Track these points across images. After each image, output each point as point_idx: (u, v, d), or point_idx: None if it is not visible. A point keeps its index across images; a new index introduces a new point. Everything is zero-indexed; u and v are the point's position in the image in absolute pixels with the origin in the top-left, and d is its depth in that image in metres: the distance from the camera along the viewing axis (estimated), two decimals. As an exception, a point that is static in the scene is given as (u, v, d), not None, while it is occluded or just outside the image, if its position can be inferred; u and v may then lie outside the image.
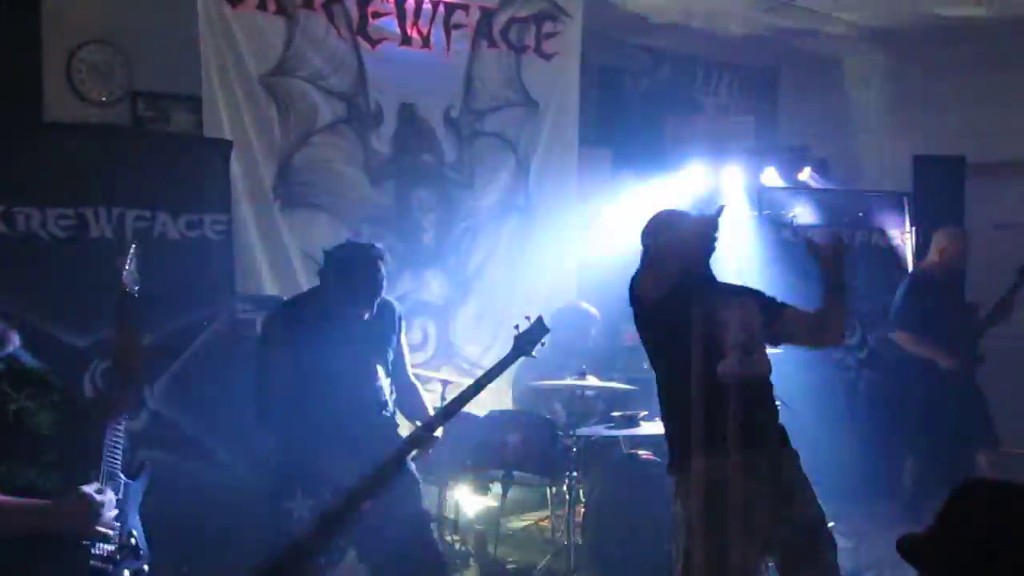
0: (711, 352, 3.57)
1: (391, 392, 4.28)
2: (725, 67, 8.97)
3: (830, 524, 3.79)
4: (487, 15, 6.61)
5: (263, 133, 5.77)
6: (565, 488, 5.36)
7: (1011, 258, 6.34)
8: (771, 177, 7.91)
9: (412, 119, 6.36)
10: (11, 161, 4.62)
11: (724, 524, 3.44)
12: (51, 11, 5.30)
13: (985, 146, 7.72)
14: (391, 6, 6.22)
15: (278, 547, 3.46)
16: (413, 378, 4.51)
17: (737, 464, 3.49)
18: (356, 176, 6.17)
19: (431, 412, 4.33)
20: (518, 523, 5.98)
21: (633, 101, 8.20)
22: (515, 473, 5.25)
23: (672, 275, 3.65)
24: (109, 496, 2.98)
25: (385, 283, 4.12)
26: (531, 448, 5.25)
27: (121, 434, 3.17)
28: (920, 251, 7.47)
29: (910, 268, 7.46)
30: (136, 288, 3.37)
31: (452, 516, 5.46)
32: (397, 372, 4.35)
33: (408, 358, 4.48)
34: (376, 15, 6.16)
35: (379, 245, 4.20)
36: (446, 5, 6.41)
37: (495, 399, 5.90)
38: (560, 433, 5.38)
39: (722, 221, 3.65)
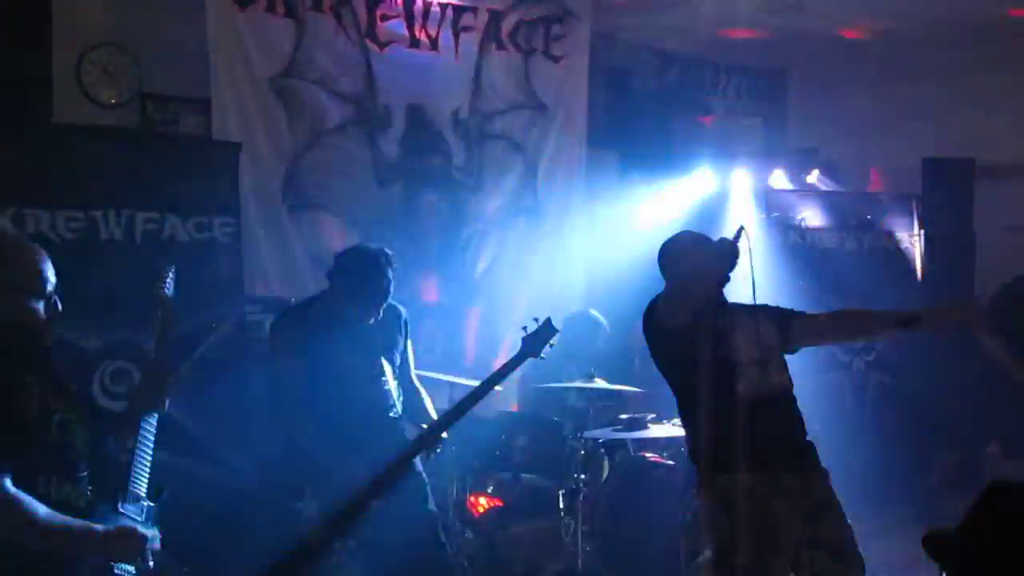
0: (731, 375, 3.60)
1: (399, 394, 4.29)
2: (733, 69, 8.96)
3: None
4: (496, 17, 6.61)
5: (272, 135, 5.77)
6: (573, 490, 5.35)
7: (1020, 260, 6.32)
8: (779, 179, 7.91)
9: (420, 121, 6.37)
10: (21, 163, 4.63)
11: (755, 544, 3.45)
12: (61, 14, 5.31)
13: (994, 148, 7.71)
14: (400, 8, 6.22)
15: (287, 547, 3.46)
16: (417, 381, 4.52)
17: (764, 483, 3.51)
18: (364, 178, 6.17)
19: (434, 415, 4.34)
20: (525, 525, 5.97)
21: (641, 103, 8.19)
22: (523, 475, 5.25)
23: (696, 302, 3.65)
24: (154, 533, 2.89)
25: (392, 288, 4.13)
26: (539, 450, 5.24)
27: (149, 454, 3.11)
28: (929, 253, 7.47)
29: (919, 271, 7.46)
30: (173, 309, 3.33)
31: (459, 518, 5.45)
32: (402, 375, 4.36)
33: (413, 361, 4.49)
34: (385, 17, 6.16)
35: (389, 251, 4.20)
36: (454, 8, 6.42)
37: (503, 402, 5.91)
38: (568, 435, 5.37)
39: (742, 245, 3.64)
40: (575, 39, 6.99)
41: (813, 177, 8.05)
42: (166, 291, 3.34)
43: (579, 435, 5.34)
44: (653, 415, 5.30)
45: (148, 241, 4.87)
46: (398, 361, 4.31)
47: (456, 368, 6.33)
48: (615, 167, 7.69)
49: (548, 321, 3.98)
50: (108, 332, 4.70)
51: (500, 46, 6.67)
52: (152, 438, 3.10)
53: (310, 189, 5.93)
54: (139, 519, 2.95)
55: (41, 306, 2.81)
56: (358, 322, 4.10)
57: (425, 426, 4.14)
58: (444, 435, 4.05)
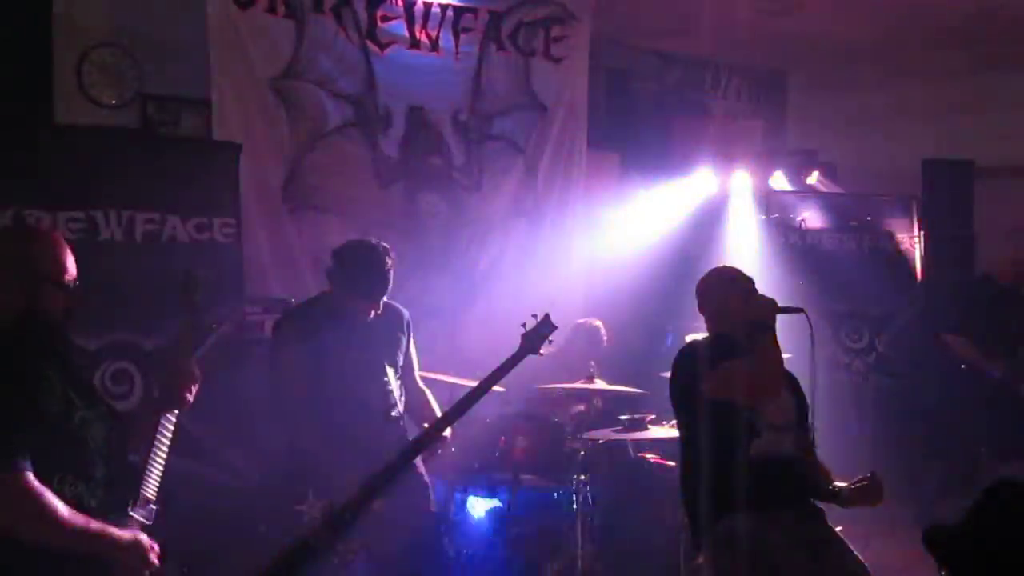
0: (752, 424, 3.71)
1: (401, 395, 4.29)
2: (733, 70, 8.97)
3: (838, 528, 3.83)
4: (496, 18, 6.62)
5: (272, 136, 5.78)
6: (573, 492, 5.35)
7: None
8: (779, 181, 7.91)
9: (421, 122, 6.37)
10: (21, 163, 4.64)
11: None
12: (61, 14, 5.31)
13: (994, 150, 7.71)
14: (400, 9, 6.22)
15: (287, 546, 3.45)
16: (421, 383, 4.52)
17: (764, 522, 3.59)
18: (365, 179, 6.18)
19: (439, 416, 4.34)
20: (525, 527, 5.97)
21: (641, 104, 8.20)
22: (523, 476, 5.25)
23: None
24: (155, 547, 2.87)
25: (392, 280, 4.13)
26: (539, 451, 5.25)
27: (163, 458, 3.09)
28: (929, 255, 7.47)
29: (918, 272, 7.46)
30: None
31: (460, 519, 5.45)
32: (406, 376, 4.36)
33: (416, 362, 4.49)
34: (385, 19, 6.17)
35: (386, 244, 4.22)
36: (455, 9, 6.42)
37: (503, 403, 5.90)
38: (568, 436, 5.37)
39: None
40: (575, 40, 7.00)
41: (813, 178, 8.05)
42: (196, 297, 3.33)
43: (579, 436, 5.34)
44: (653, 416, 5.30)
45: (148, 241, 4.88)
46: (401, 361, 4.31)
47: (456, 369, 6.33)
48: (615, 168, 7.69)
49: (547, 317, 3.97)
50: (108, 332, 4.71)
51: (500, 47, 6.67)
52: (167, 442, 3.09)
53: (310, 190, 5.94)
54: (148, 523, 2.94)
55: (62, 296, 2.83)
56: (360, 316, 4.10)
57: (427, 426, 4.14)
58: (446, 434, 4.04)
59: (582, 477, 5.29)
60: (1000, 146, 7.73)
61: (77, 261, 4.38)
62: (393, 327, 4.29)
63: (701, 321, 4.11)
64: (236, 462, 4.99)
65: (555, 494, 5.55)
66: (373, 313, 4.13)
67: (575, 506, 5.30)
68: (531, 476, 5.27)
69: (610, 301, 6.57)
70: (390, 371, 4.22)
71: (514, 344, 4.01)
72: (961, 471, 6.24)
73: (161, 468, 3.03)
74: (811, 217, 7.30)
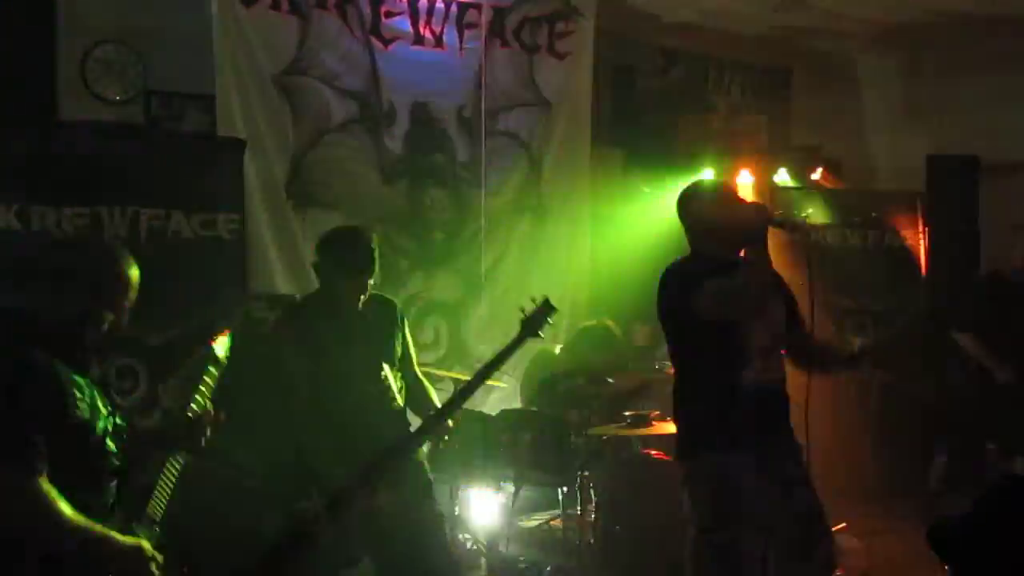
0: (741, 349, 3.60)
1: (400, 387, 4.29)
2: (738, 67, 8.95)
3: (841, 525, 3.82)
4: (500, 14, 6.61)
5: (276, 132, 5.78)
6: (577, 487, 5.36)
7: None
8: (783, 177, 7.90)
9: (425, 118, 6.37)
10: (26, 159, 4.65)
11: (737, 516, 3.50)
12: (65, 10, 5.31)
13: (999, 146, 7.69)
14: (404, 5, 6.22)
15: (288, 533, 3.44)
16: (421, 374, 4.51)
17: (752, 458, 3.55)
18: (369, 175, 6.18)
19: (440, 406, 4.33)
20: (530, 523, 5.98)
21: (646, 101, 8.19)
22: (527, 472, 5.25)
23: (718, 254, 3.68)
24: (157, 557, 2.86)
25: (377, 257, 4.10)
26: (543, 447, 5.24)
27: (173, 482, 3.10)
28: (933, 251, 7.46)
29: (923, 269, 7.45)
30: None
31: (464, 516, 5.46)
32: (405, 368, 4.36)
33: (415, 354, 4.49)
34: (389, 14, 6.17)
35: (365, 226, 4.23)
36: (459, 4, 6.42)
37: (507, 399, 5.91)
38: (572, 432, 5.37)
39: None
40: (580, 36, 6.99)
41: (817, 175, 8.04)
42: (218, 351, 3.40)
43: (583, 432, 5.34)
44: (657, 412, 5.30)
45: (153, 237, 4.89)
46: (398, 353, 4.30)
47: (461, 365, 6.34)
48: (619, 164, 7.68)
49: (546, 300, 3.95)
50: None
51: (504, 43, 6.67)
52: (178, 468, 3.09)
53: (314, 186, 5.94)
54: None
55: (110, 313, 2.84)
56: (351, 304, 4.07)
57: (430, 413, 4.13)
58: (449, 424, 4.03)
59: (586, 473, 5.30)
60: (1005, 142, 7.71)
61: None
62: (387, 320, 4.28)
63: None
64: (240, 458, 4.99)
65: (559, 490, 5.57)
66: (363, 295, 4.09)
67: (579, 502, 5.31)
68: (535, 472, 5.27)
69: (614, 297, 6.57)
70: (387, 364, 4.21)
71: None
72: (965, 467, 6.23)
73: (168, 493, 3.03)
74: (815, 213, 7.28)
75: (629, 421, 5.32)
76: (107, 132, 5.23)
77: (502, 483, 5.47)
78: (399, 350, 4.32)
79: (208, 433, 3.20)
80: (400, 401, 4.24)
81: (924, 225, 7.55)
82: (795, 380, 3.78)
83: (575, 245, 7.03)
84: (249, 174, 5.51)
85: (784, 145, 8.97)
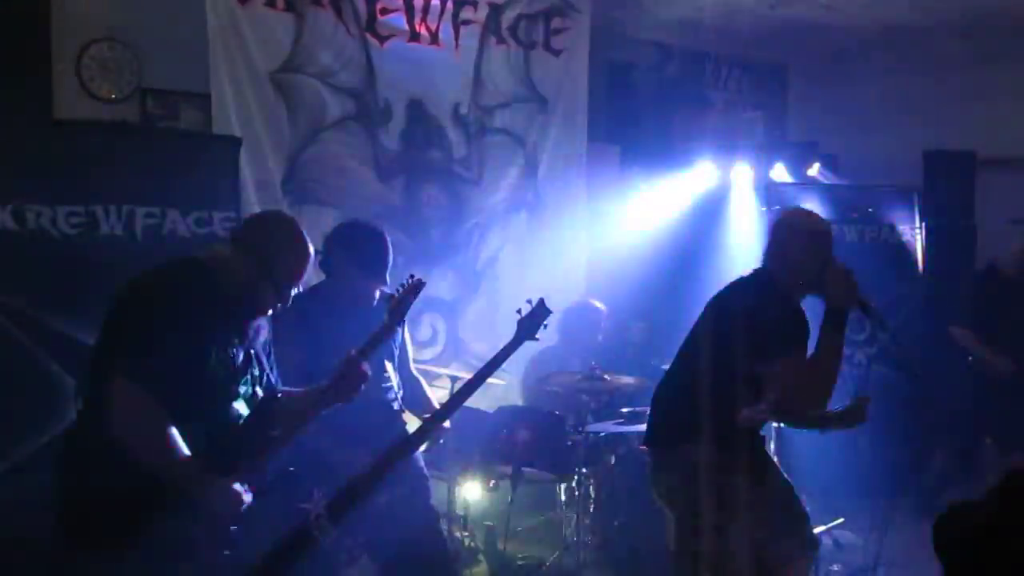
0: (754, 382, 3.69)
1: (399, 387, 4.29)
2: (734, 63, 8.96)
3: (839, 520, 3.88)
4: (496, 11, 6.60)
5: (272, 130, 5.77)
6: (575, 484, 5.36)
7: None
8: (780, 172, 7.90)
9: (421, 115, 6.36)
10: (21, 158, 4.63)
11: (718, 502, 3.62)
12: (60, 8, 5.31)
13: (995, 141, 7.69)
14: (399, 2, 6.21)
15: (288, 533, 3.44)
16: (416, 372, 4.51)
17: (730, 451, 3.66)
18: (365, 172, 6.17)
19: (436, 405, 4.33)
20: (527, 519, 5.98)
21: (642, 97, 8.19)
22: (524, 469, 5.25)
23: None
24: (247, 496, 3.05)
25: (392, 253, 4.12)
26: (540, 444, 5.24)
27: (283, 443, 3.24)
28: (930, 246, 7.46)
29: (920, 264, 7.45)
30: None
31: (461, 513, 5.46)
32: (401, 366, 4.35)
33: (411, 352, 4.49)
34: (384, 11, 6.16)
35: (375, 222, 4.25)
36: (455, 1, 6.41)
37: (504, 396, 5.91)
38: (569, 429, 5.37)
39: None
40: (575, 32, 6.99)
41: (814, 170, 8.04)
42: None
43: (581, 429, 5.35)
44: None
45: (149, 236, 4.87)
46: (397, 352, 4.30)
47: (458, 362, 6.35)
48: (616, 161, 7.69)
49: (541, 302, 3.95)
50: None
51: (500, 40, 6.66)
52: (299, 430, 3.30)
53: (310, 183, 5.93)
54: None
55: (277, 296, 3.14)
56: (366, 297, 4.07)
57: (427, 416, 4.12)
58: (445, 424, 4.03)
59: (583, 470, 5.30)
60: (1001, 137, 7.71)
61: (77, 256, 4.41)
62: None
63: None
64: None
65: (557, 486, 5.57)
66: (379, 293, 4.10)
67: (576, 498, 5.31)
68: (532, 469, 5.27)
69: (611, 293, 6.56)
70: (388, 364, 4.20)
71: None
72: (964, 462, 6.24)
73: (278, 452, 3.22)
74: (812, 209, 7.27)
75: (627, 418, 5.32)
76: (102, 130, 5.22)
77: (500, 480, 5.47)
78: (398, 348, 4.32)
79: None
80: (398, 399, 4.24)
81: (921, 220, 7.55)
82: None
83: (571, 241, 7.03)
84: (245, 172, 5.50)
85: (781, 140, 8.99)
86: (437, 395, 4.63)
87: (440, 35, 6.38)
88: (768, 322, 3.59)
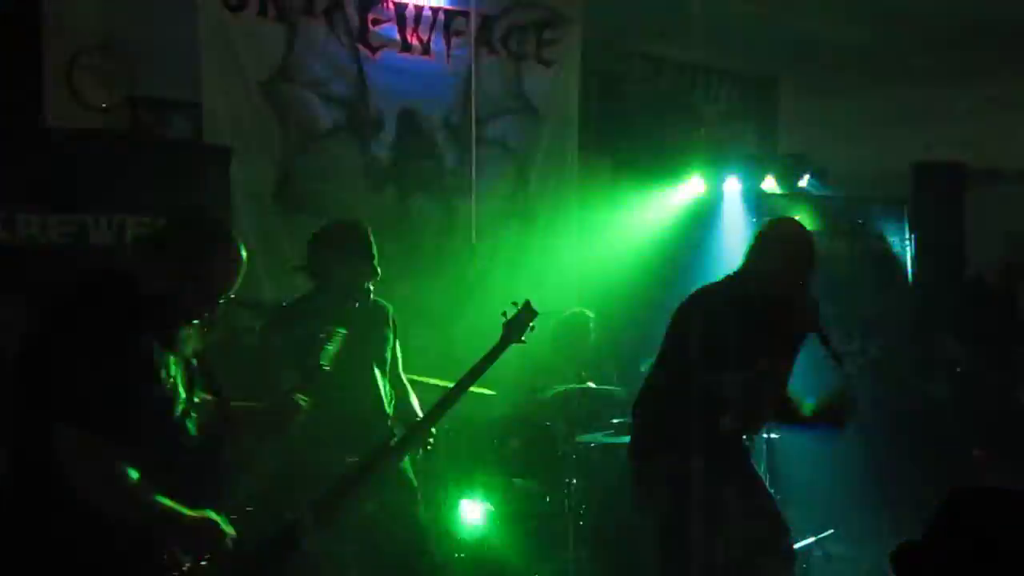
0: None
1: (390, 394, 4.28)
2: (725, 75, 8.98)
3: (829, 532, 3.89)
4: (488, 22, 6.62)
5: (263, 139, 5.77)
6: (565, 495, 5.35)
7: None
8: (771, 184, 7.92)
9: (412, 126, 6.36)
10: (11, 167, 4.62)
11: (701, 516, 3.62)
12: (52, 17, 5.29)
13: (983, 153, 7.73)
14: (391, 13, 6.22)
15: (272, 535, 3.42)
16: (406, 381, 4.51)
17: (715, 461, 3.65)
18: (356, 182, 6.17)
19: (422, 413, 4.32)
20: (516, 530, 5.96)
21: (633, 108, 8.21)
22: (515, 479, 5.24)
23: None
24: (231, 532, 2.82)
25: (374, 248, 4.10)
26: (531, 455, 5.24)
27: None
28: (919, 258, 7.49)
29: (909, 275, 7.48)
30: None
31: (451, 523, 5.44)
32: (391, 373, 4.35)
33: (401, 360, 4.49)
34: (376, 22, 6.16)
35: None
36: (446, 12, 6.42)
37: (495, 406, 5.89)
38: (560, 440, 5.37)
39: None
40: (567, 44, 7.00)
41: (804, 182, 8.07)
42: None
43: (571, 439, 5.34)
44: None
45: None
46: (388, 358, 4.30)
47: (447, 373, 6.31)
48: (607, 171, 7.70)
49: (527, 304, 3.95)
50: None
51: (492, 50, 6.67)
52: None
53: (301, 193, 5.93)
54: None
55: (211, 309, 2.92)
56: (354, 288, 4.06)
57: (415, 421, 4.12)
58: (432, 431, 4.02)
59: (574, 480, 5.29)
60: (989, 150, 7.75)
61: (67, 266, 4.37)
62: (380, 325, 4.28)
63: None
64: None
65: (546, 497, 5.55)
66: (369, 283, 4.08)
67: (567, 509, 5.30)
68: (523, 479, 5.26)
69: (603, 304, 6.56)
70: (378, 370, 4.20)
71: (508, 349, 3.99)
72: (954, 474, 6.24)
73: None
74: (802, 220, 7.29)
75: (616, 428, 5.32)
76: (93, 139, 5.20)
77: (490, 490, 5.45)
78: (389, 355, 4.31)
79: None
80: (389, 407, 4.24)
81: (910, 232, 7.58)
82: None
83: (563, 252, 7.03)
84: (235, 181, 5.49)
85: (771, 152, 9.01)
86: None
87: (432, 46, 6.38)
88: (729, 331, 3.58)
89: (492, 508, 5.46)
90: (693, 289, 3.97)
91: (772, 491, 3.92)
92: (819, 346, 3.75)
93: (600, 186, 7.47)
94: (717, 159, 7.76)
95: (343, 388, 4.03)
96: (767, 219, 4.11)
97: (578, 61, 7.10)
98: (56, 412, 2.57)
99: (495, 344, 3.87)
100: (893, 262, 7.55)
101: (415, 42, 6.32)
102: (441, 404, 3.93)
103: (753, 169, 7.88)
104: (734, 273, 3.89)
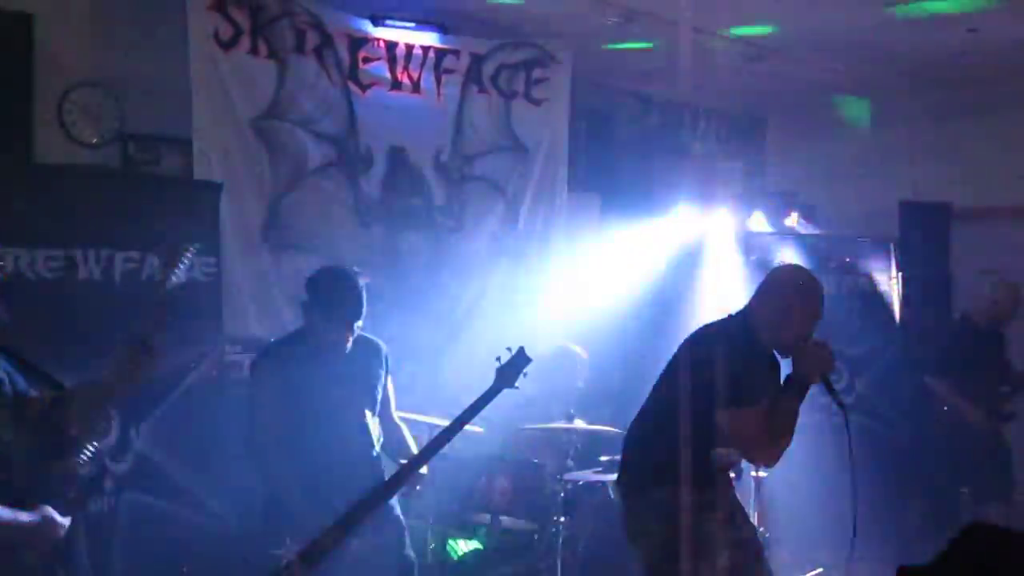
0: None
1: (379, 434, 4.27)
2: (713, 113, 9.05)
3: (818, 571, 3.90)
4: (477, 60, 6.66)
5: (253, 176, 5.78)
6: (552, 533, 5.32)
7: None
8: (758, 222, 7.96)
9: (402, 163, 6.39)
10: (1, 201, 4.62)
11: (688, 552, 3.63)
12: (42, 52, 5.31)
13: (970, 192, 7.80)
14: (382, 51, 6.26)
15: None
16: (398, 419, 4.50)
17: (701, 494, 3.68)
18: (345, 219, 6.18)
19: (415, 452, 4.32)
20: (505, 569, 5.93)
21: (622, 146, 8.25)
22: (502, 518, 5.22)
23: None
24: (67, 521, 2.84)
25: (365, 304, 4.10)
26: (518, 493, 5.22)
27: (87, 464, 3.04)
28: (906, 296, 7.52)
29: (896, 314, 7.50)
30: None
31: (439, 562, 5.41)
32: (383, 412, 4.34)
33: (394, 399, 4.48)
34: (367, 60, 6.20)
35: (356, 269, 4.22)
36: (436, 50, 6.46)
37: (483, 444, 5.87)
38: (548, 478, 5.35)
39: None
40: (556, 82, 7.05)
41: (792, 220, 8.11)
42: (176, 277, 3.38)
43: (559, 477, 5.32)
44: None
45: (127, 281, 4.86)
46: (380, 397, 4.29)
47: (436, 410, 6.30)
48: (596, 209, 7.72)
49: (521, 350, 3.96)
50: (85, 372, 4.65)
51: (482, 89, 6.71)
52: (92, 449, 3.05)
53: (291, 229, 5.93)
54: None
55: None
56: (338, 346, 4.06)
57: (403, 462, 4.10)
58: (423, 471, 4.01)
59: (562, 518, 5.27)
60: (976, 188, 7.82)
61: (55, 301, 4.35)
62: (372, 363, 4.27)
63: None
64: (213, 505, 4.95)
65: (535, 535, 5.53)
66: (350, 340, 4.09)
67: (555, 547, 5.27)
68: (510, 517, 5.24)
69: (591, 342, 6.56)
70: (367, 411, 4.19)
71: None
72: (941, 512, 6.25)
73: (85, 471, 3.06)
74: (790, 258, 7.33)
75: (605, 466, 5.30)
76: (83, 175, 5.21)
77: (477, 528, 5.43)
78: (380, 393, 4.30)
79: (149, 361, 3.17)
80: (377, 448, 4.23)
81: (897, 270, 7.62)
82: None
83: (552, 289, 7.03)
84: (225, 217, 5.49)
85: (759, 190, 9.06)
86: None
87: (422, 84, 6.42)
88: (734, 371, 3.60)
89: (480, 547, 5.44)
90: (681, 326, 4.01)
91: (761, 529, 3.92)
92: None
93: (588, 223, 7.50)
94: (705, 197, 7.79)
95: (332, 429, 4.03)
96: (779, 264, 4.13)
97: (567, 99, 7.14)
98: None
99: (487, 389, 3.87)
100: (881, 300, 7.58)
101: (405, 80, 6.36)
102: (431, 446, 3.92)
103: (741, 207, 7.92)
104: (738, 312, 3.91)
